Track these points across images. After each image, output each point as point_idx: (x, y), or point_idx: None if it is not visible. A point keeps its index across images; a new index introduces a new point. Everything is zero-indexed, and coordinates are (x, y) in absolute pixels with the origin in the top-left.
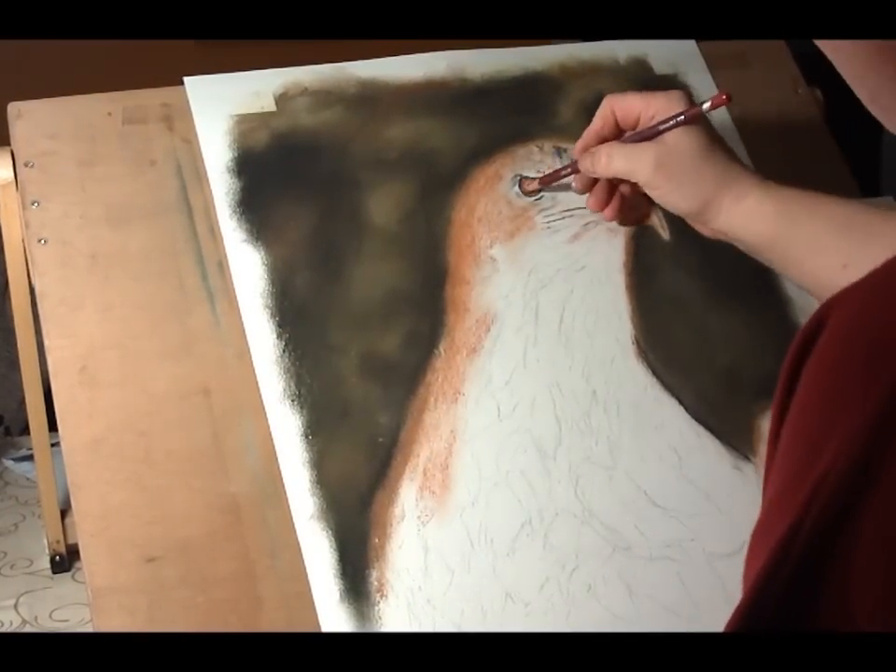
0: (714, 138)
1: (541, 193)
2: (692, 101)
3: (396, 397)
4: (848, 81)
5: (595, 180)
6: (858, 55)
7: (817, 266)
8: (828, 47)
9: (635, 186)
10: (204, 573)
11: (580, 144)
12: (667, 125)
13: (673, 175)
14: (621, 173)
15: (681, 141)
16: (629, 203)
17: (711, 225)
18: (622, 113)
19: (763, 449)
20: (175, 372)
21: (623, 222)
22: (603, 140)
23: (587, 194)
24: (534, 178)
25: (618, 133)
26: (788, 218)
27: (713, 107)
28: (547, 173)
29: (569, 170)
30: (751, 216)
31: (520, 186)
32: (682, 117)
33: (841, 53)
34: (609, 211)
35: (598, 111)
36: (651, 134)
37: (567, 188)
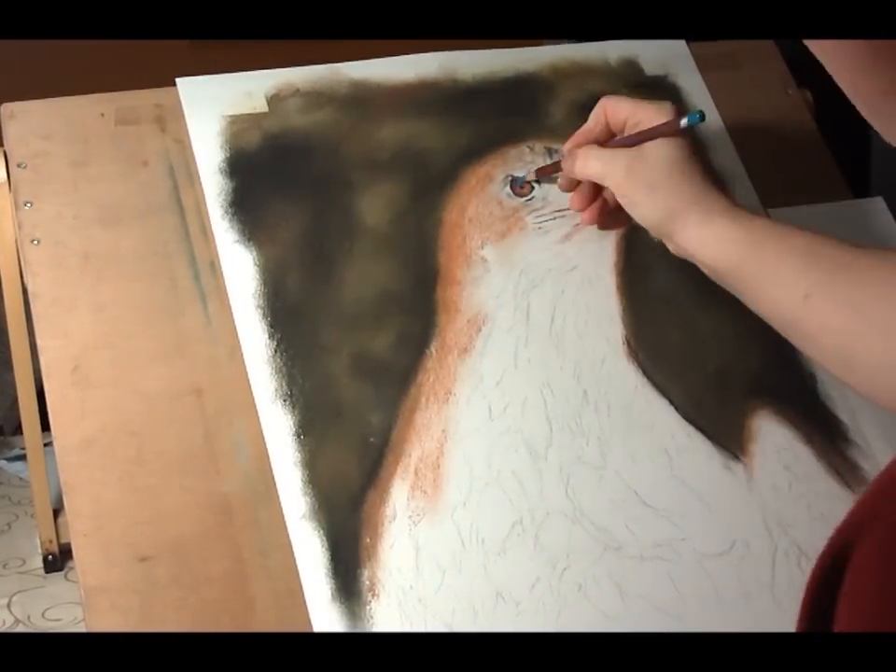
0: (692, 154)
1: (532, 194)
2: (680, 114)
3: (387, 397)
4: (843, 88)
5: (579, 180)
6: (851, 62)
7: (778, 295)
8: (821, 53)
9: None
10: (196, 573)
11: (569, 141)
12: (644, 135)
13: (642, 183)
14: (594, 176)
15: (658, 152)
16: (610, 209)
17: (675, 240)
18: (612, 116)
19: (753, 448)
20: (167, 372)
21: (601, 226)
22: (594, 141)
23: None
24: (527, 179)
25: (608, 136)
26: (753, 245)
27: (688, 126)
28: (541, 166)
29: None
30: (717, 238)
31: (513, 188)
32: (660, 129)
33: (834, 60)
34: (586, 214)
35: (593, 111)
36: (630, 142)
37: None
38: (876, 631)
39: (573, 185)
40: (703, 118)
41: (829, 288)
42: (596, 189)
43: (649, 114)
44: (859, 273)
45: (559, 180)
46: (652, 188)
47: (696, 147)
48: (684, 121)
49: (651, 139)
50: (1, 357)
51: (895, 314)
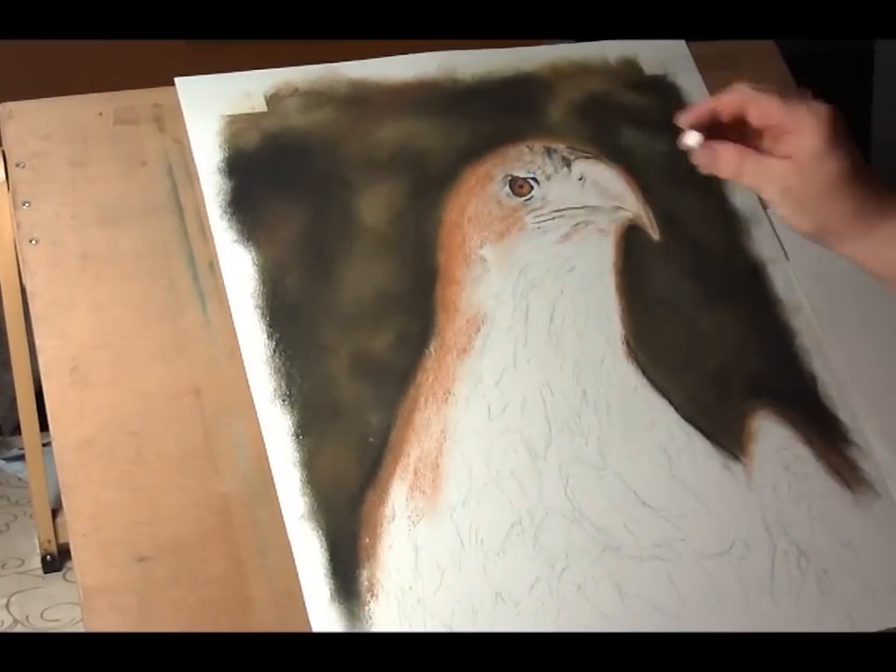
0: (854, 166)
1: (532, 194)
2: (835, 124)
3: (386, 397)
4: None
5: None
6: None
7: None
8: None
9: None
10: (195, 573)
11: (692, 114)
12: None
13: (800, 201)
14: (748, 185)
15: (819, 166)
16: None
17: (835, 251)
18: (757, 118)
19: (752, 449)
20: (166, 372)
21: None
22: (715, 125)
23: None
24: (528, 179)
25: (737, 128)
26: None
27: None
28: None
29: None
30: (875, 248)
31: (512, 188)
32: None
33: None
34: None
35: (726, 97)
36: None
37: (564, 179)
38: None
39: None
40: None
41: None
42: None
43: (802, 125)
44: None
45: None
46: (811, 204)
47: (859, 154)
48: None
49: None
50: None
51: None
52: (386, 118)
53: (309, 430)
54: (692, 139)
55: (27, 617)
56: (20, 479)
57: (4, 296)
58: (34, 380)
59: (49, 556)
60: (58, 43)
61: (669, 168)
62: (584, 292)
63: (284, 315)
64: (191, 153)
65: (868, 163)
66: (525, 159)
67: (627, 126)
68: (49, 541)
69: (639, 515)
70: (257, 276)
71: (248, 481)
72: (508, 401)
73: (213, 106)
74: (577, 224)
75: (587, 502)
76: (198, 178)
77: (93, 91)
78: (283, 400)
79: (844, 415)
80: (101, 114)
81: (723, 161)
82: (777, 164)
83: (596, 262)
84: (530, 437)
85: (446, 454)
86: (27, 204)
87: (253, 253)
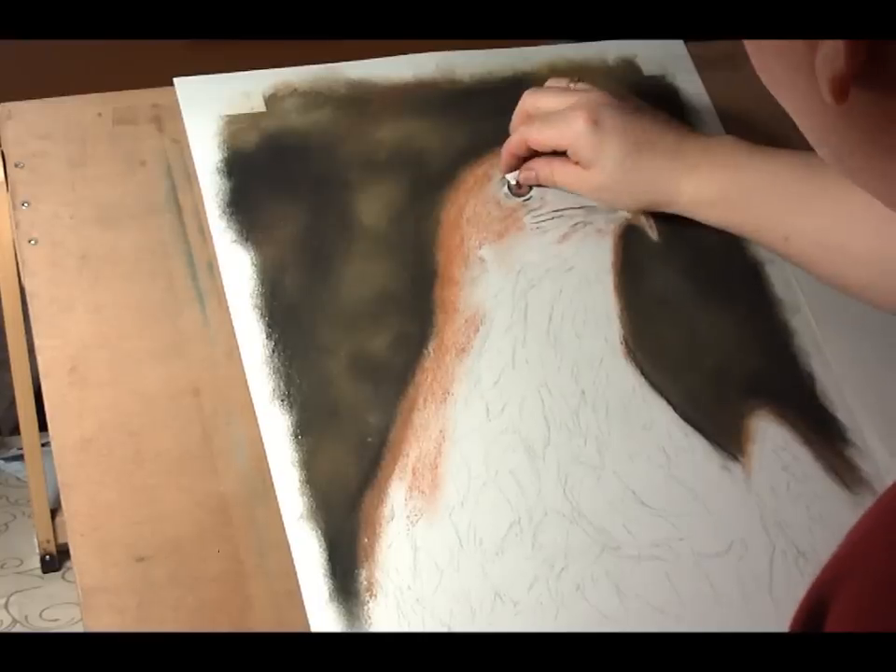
0: (631, 141)
1: (530, 194)
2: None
3: (385, 397)
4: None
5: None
6: (817, 119)
7: (765, 242)
8: (789, 108)
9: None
10: (194, 573)
11: (504, 165)
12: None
13: (612, 192)
14: (567, 188)
15: (602, 166)
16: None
17: (678, 213)
18: (538, 145)
19: (751, 449)
20: (165, 372)
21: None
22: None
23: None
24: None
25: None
26: (734, 198)
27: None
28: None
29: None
30: (699, 199)
31: (511, 188)
32: None
33: (801, 118)
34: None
35: (510, 141)
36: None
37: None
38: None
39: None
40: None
41: (805, 230)
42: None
43: (570, 146)
44: (834, 204)
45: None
46: (623, 192)
47: (628, 113)
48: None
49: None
50: None
51: (866, 238)
52: (385, 118)
53: (308, 430)
54: (512, 178)
55: (26, 617)
56: (19, 479)
57: (3, 296)
58: (32, 380)
59: (47, 556)
60: (56, 43)
61: None
62: (583, 292)
63: (283, 315)
64: (190, 153)
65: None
66: None
67: None
68: (48, 541)
69: (638, 515)
70: (256, 276)
71: (247, 480)
72: (506, 401)
73: (212, 107)
74: (575, 224)
75: (586, 502)
76: (197, 178)
77: (92, 92)
78: (282, 400)
79: (842, 416)
80: (100, 114)
81: (537, 171)
82: (578, 172)
83: (595, 262)
84: (529, 437)
85: (445, 454)
86: (26, 205)
87: (252, 253)
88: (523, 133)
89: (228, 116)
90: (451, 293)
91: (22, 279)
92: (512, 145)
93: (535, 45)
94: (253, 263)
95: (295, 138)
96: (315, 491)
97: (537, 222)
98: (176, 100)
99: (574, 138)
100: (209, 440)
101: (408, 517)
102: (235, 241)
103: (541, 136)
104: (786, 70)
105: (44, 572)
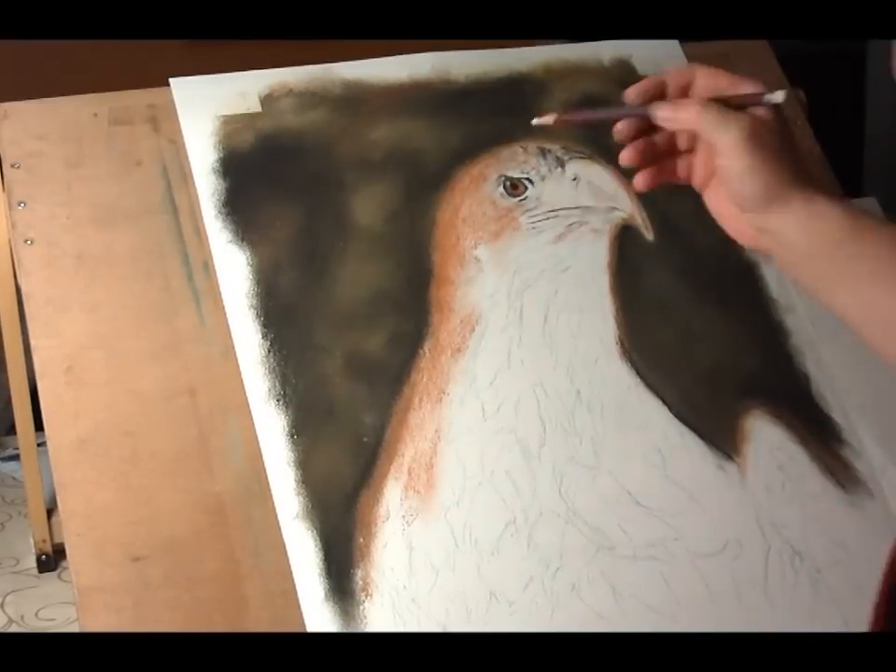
0: (795, 138)
1: (526, 194)
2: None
3: (380, 396)
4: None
5: (636, 135)
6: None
7: (874, 292)
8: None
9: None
10: (190, 572)
11: (638, 87)
12: (737, 101)
13: (760, 150)
14: (707, 129)
15: (775, 125)
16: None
17: (769, 215)
18: (705, 89)
19: (746, 449)
20: (161, 372)
21: (646, 189)
22: (660, 95)
23: (574, 186)
24: (521, 179)
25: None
26: (856, 229)
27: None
28: (580, 112)
29: (612, 116)
30: (819, 216)
31: (506, 188)
32: (749, 98)
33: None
34: (641, 178)
35: (676, 71)
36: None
37: (558, 179)
38: None
39: (631, 137)
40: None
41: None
42: (651, 147)
43: (720, 146)
44: None
45: (618, 125)
46: (769, 157)
47: (783, 157)
48: (769, 97)
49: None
50: None
51: None
52: (380, 118)
53: (303, 430)
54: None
55: (22, 616)
56: (15, 479)
57: None
58: (29, 380)
59: (44, 556)
60: (53, 43)
61: None
62: (578, 292)
63: (278, 315)
64: (186, 153)
65: (860, 165)
66: (519, 159)
67: None
68: (45, 541)
69: (633, 515)
70: (251, 276)
71: (243, 480)
72: (502, 401)
73: (207, 107)
74: (571, 224)
75: (581, 502)
76: (192, 179)
77: (88, 92)
78: (277, 400)
79: (837, 415)
80: (96, 114)
81: (686, 107)
82: (738, 112)
83: (591, 262)
84: (524, 437)
85: (440, 453)
86: (22, 205)
87: (247, 253)
88: (698, 67)
89: (224, 116)
90: (446, 293)
91: (19, 279)
92: (674, 73)
93: (530, 45)
94: (249, 263)
95: (291, 138)
96: (310, 491)
97: (532, 222)
98: (172, 100)
99: (729, 146)
100: (205, 440)
101: (403, 517)
102: (231, 241)
103: (724, 77)
104: None
105: (40, 572)
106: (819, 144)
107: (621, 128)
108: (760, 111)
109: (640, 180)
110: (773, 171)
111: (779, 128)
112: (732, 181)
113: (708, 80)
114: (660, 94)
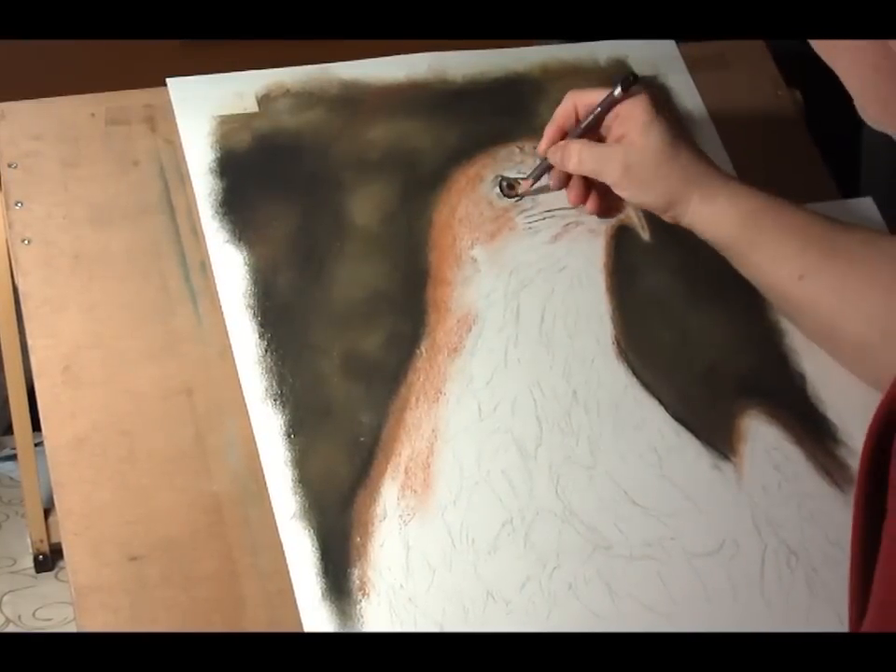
0: (678, 135)
1: (522, 194)
2: (654, 99)
3: (377, 396)
4: (850, 90)
5: (570, 175)
6: (865, 62)
7: (774, 273)
8: (830, 56)
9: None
10: (187, 572)
11: (543, 141)
12: (602, 113)
13: (640, 176)
14: (591, 173)
15: (647, 141)
16: (605, 196)
17: (679, 221)
18: (582, 108)
19: (742, 448)
20: (158, 372)
21: (602, 214)
22: (566, 135)
23: (565, 190)
24: (518, 180)
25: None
26: (752, 223)
27: (625, 92)
28: (528, 174)
29: (546, 166)
30: (718, 217)
31: (503, 189)
32: (608, 101)
33: (844, 62)
34: (590, 204)
35: (560, 106)
36: (594, 122)
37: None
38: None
39: (564, 181)
40: (635, 78)
41: (822, 272)
42: (588, 180)
43: (627, 106)
44: (850, 258)
45: (550, 181)
46: (650, 177)
47: (680, 125)
48: (618, 91)
49: (608, 111)
50: None
51: (880, 300)
52: (377, 118)
53: (300, 430)
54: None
55: (19, 616)
56: (12, 478)
57: None
58: (26, 380)
59: (41, 556)
60: (50, 43)
61: None
62: (575, 292)
63: (275, 314)
64: (183, 153)
65: (856, 165)
66: (515, 159)
67: None
68: (42, 541)
69: (630, 514)
70: (248, 276)
71: (240, 480)
72: (499, 401)
73: (204, 107)
74: (567, 224)
75: (578, 501)
76: (189, 179)
77: (85, 92)
78: (274, 400)
79: (833, 415)
80: (93, 114)
81: (567, 155)
82: (611, 148)
83: (587, 262)
84: (521, 436)
85: (437, 453)
86: (19, 204)
87: (245, 253)
88: (574, 95)
89: (220, 116)
90: (443, 293)
91: (16, 279)
92: (561, 113)
93: (527, 45)
94: (246, 263)
95: (287, 138)
96: (307, 490)
97: (529, 222)
98: (169, 100)
99: (636, 101)
100: (202, 439)
101: (400, 516)
102: (228, 241)
103: (595, 98)
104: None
105: (37, 572)
106: (815, 145)
107: (553, 183)
108: (632, 133)
109: (589, 206)
110: (658, 187)
111: (657, 140)
112: (630, 202)
113: (584, 100)
114: (566, 132)
